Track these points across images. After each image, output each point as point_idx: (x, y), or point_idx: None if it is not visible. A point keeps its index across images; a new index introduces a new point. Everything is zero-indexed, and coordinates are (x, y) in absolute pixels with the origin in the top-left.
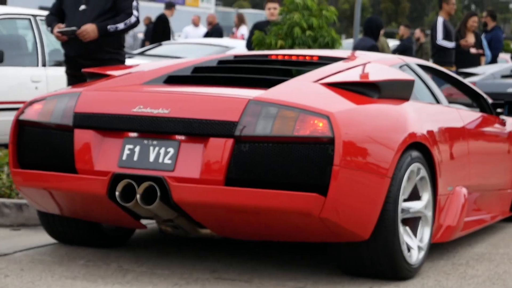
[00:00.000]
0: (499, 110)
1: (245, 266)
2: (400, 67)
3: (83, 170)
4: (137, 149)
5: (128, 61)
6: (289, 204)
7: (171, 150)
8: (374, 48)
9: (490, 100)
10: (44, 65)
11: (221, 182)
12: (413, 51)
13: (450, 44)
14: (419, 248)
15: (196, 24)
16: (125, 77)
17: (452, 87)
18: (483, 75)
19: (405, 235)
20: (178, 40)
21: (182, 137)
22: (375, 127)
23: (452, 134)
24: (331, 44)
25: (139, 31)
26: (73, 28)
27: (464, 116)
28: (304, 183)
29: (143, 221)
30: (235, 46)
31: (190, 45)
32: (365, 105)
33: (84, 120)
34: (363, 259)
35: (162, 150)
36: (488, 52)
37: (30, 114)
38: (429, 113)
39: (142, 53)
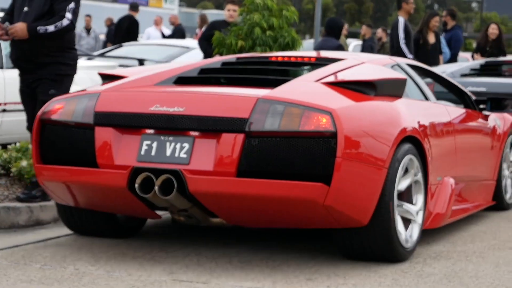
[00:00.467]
0: (481, 106)
1: (202, 268)
2: (392, 66)
3: (104, 164)
4: (154, 144)
5: (88, 63)
6: (296, 193)
7: (186, 145)
8: (340, 48)
9: (473, 97)
10: (1, 67)
11: (233, 174)
12: (374, 50)
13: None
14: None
15: (158, 25)
16: (138, 79)
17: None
18: (443, 74)
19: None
20: (140, 41)
21: (196, 133)
22: (373, 122)
23: (441, 129)
24: (292, 44)
25: (101, 33)
26: (5, 24)
27: (451, 112)
28: (310, 173)
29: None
30: (197, 47)
31: (151, 46)
32: (363, 102)
33: (104, 119)
34: (363, 243)
35: (178, 145)
36: (446, 50)
37: (52, 114)
38: (419, 109)
39: (102, 55)
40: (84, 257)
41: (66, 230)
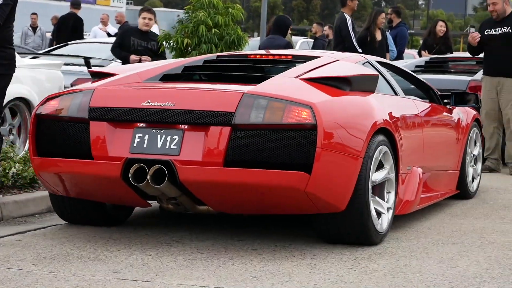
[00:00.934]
0: (446, 100)
1: (147, 267)
2: (363, 63)
3: (99, 156)
4: (146, 137)
5: (33, 61)
6: (279, 181)
7: (177, 138)
8: (288, 46)
9: (438, 92)
10: None
11: (220, 163)
12: (326, 48)
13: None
14: (388, 209)
15: (105, 23)
16: (127, 76)
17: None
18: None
19: (374, 204)
20: (86, 39)
21: (186, 126)
22: (349, 115)
23: (410, 121)
24: (238, 42)
25: (47, 31)
26: None
27: (419, 106)
28: (292, 163)
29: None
30: None
31: (97, 44)
32: (340, 97)
33: (99, 113)
34: (340, 228)
35: (169, 138)
36: (394, 47)
37: (48, 109)
38: (390, 103)
39: (48, 53)
40: (28, 257)
41: (8, 230)
